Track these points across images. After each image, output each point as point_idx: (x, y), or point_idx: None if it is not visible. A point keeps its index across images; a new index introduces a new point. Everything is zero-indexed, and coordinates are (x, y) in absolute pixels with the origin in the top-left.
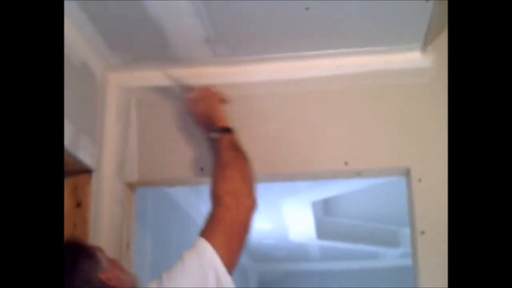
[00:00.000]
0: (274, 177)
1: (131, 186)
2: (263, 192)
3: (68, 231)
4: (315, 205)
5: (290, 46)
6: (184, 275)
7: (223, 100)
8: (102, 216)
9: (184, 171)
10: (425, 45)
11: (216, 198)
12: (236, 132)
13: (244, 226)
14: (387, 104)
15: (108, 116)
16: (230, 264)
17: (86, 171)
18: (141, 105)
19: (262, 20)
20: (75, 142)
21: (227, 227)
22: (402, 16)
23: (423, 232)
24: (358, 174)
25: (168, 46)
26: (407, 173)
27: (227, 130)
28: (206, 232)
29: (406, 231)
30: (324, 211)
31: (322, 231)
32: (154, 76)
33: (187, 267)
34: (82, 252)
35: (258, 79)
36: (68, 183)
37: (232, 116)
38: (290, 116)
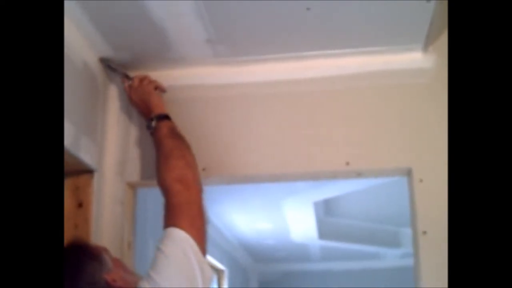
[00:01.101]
0: (275, 177)
1: (132, 186)
2: (264, 192)
3: (69, 231)
4: (316, 205)
5: (291, 46)
6: (171, 265)
7: (160, 89)
8: (103, 216)
9: None
10: (426, 45)
11: (165, 188)
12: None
13: (200, 207)
14: (388, 104)
15: (109, 117)
16: (201, 243)
17: (87, 172)
18: None
19: (262, 20)
20: (76, 142)
21: (186, 210)
22: (403, 16)
23: (424, 232)
24: (359, 174)
25: (169, 46)
26: (408, 173)
27: (164, 117)
28: (170, 222)
29: (407, 231)
30: (325, 211)
31: (323, 232)
32: (155, 77)
33: (170, 256)
34: (87, 253)
35: (258, 79)
36: (69, 183)
37: (231, 116)
38: (291, 116)
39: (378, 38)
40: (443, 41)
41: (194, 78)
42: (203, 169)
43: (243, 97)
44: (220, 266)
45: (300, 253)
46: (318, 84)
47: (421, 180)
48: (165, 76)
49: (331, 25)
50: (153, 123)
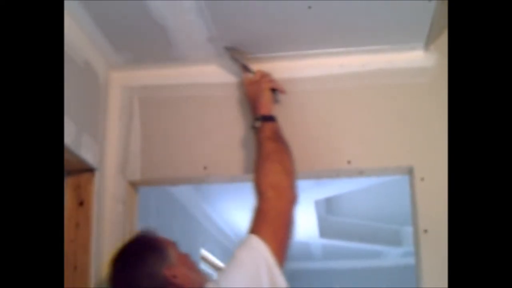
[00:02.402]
0: None
1: (134, 185)
2: None
3: (70, 230)
4: (318, 203)
5: (293, 44)
6: (239, 271)
7: (279, 90)
8: (104, 215)
9: (187, 170)
10: (428, 44)
11: (258, 192)
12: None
13: (288, 218)
14: (390, 103)
15: (111, 115)
16: (280, 256)
17: (89, 170)
18: (144, 104)
19: (264, 18)
20: (78, 141)
21: (272, 219)
22: (404, 15)
23: (426, 231)
24: (361, 173)
25: (171, 44)
26: (410, 172)
27: (269, 119)
28: (254, 227)
29: (409, 230)
30: (327, 210)
31: (324, 230)
32: (157, 75)
33: (240, 263)
34: (151, 245)
35: None
36: (70, 182)
37: (232, 114)
38: (292, 115)
39: (379, 36)
40: (444, 40)
41: (196, 77)
42: (205, 168)
43: (245, 96)
44: (221, 264)
45: (301, 251)
46: (320, 82)
47: (422, 179)
48: (167, 74)
49: (332, 24)
50: (258, 123)
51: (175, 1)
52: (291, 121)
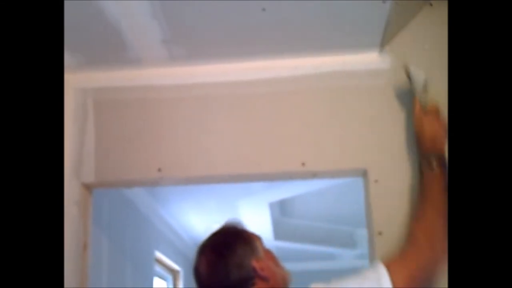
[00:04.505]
0: (231, 178)
1: (88, 187)
2: (220, 193)
3: None
4: (272, 206)
5: (247, 47)
6: (354, 282)
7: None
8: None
9: (141, 172)
10: (382, 46)
11: (410, 232)
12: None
13: (429, 274)
14: (344, 105)
15: (65, 117)
16: None
17: None
18: (98, 106)
19: (218, 20)
20: None
21: (413, 267)
22: (358, 17)
23: (380, 233)
24: (315, 175)
25: (124, 46)
26: (364, 174)
27: (443, 164)
28: (392, 262)
29: (363, 232)
30: (281, 212)
31: (279, 232)
32: (111, 77)
33: (362, 278)
34: (242, 237)
35: (214, 80)
36: None
37: (187, 116)
38: (246, 118)
39: (334, 38)
40: (399, 42)
41: (150, 79)
42: (159, 170)
43: (199, 98)
44: (175, 266)
45: None
46: (274, 85)
47: (376, 181)
48: (121, 76)
49: (286, 26)
50: (434, 164)
51: (129, 1)
52: (244, 123)
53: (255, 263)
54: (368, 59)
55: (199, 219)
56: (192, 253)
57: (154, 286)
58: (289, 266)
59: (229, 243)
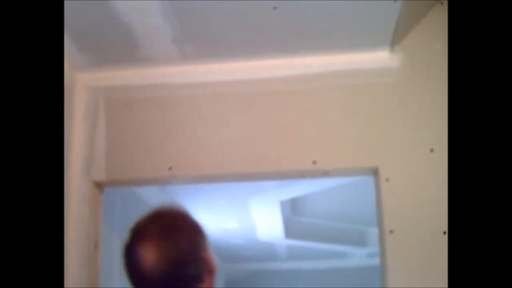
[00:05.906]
0: (242, 176)
1: (99, 186)
2: (231, 191)
3: None
4: (283, 204)
5: (258, 45)
6: None
7: None
8: (70, 216)
9: (152, 171)
10: (393, 45)
11: None
12: None
13: None
14: (355, 103)
15: (76, 116)
16: None
17: None
18: (109, 104)
19: (229, 19)
20: None
21: None
22: (369, 16)
23: (391, 232)
24: (326, 173)
25: (135, 45)
26: (375, 172)
27: None
28: None
29: (374, 230)
30: (292, 210)
31: (290, 231)
32: (122, 76)
33: None
34: (190, 222)
35: (225, 78)
36: None
37: (198, 115)
38: (258, 116)
39: (345, 37)
40: (409, 41)
41: (162, 77)
42: (170, 168)
43: (210, 97)
44: None
45: (266, 252)
46: (286, 83)
47: (387, 179)
48: (132, 75)
49: (297, 24)
50: None
51: (141, 1)
52: (255, 121)
53: (206, 255)
54: (379, 58)
55: (210, 217)
56: None
57: None
58: (300, 264)
59: (178, 227)
